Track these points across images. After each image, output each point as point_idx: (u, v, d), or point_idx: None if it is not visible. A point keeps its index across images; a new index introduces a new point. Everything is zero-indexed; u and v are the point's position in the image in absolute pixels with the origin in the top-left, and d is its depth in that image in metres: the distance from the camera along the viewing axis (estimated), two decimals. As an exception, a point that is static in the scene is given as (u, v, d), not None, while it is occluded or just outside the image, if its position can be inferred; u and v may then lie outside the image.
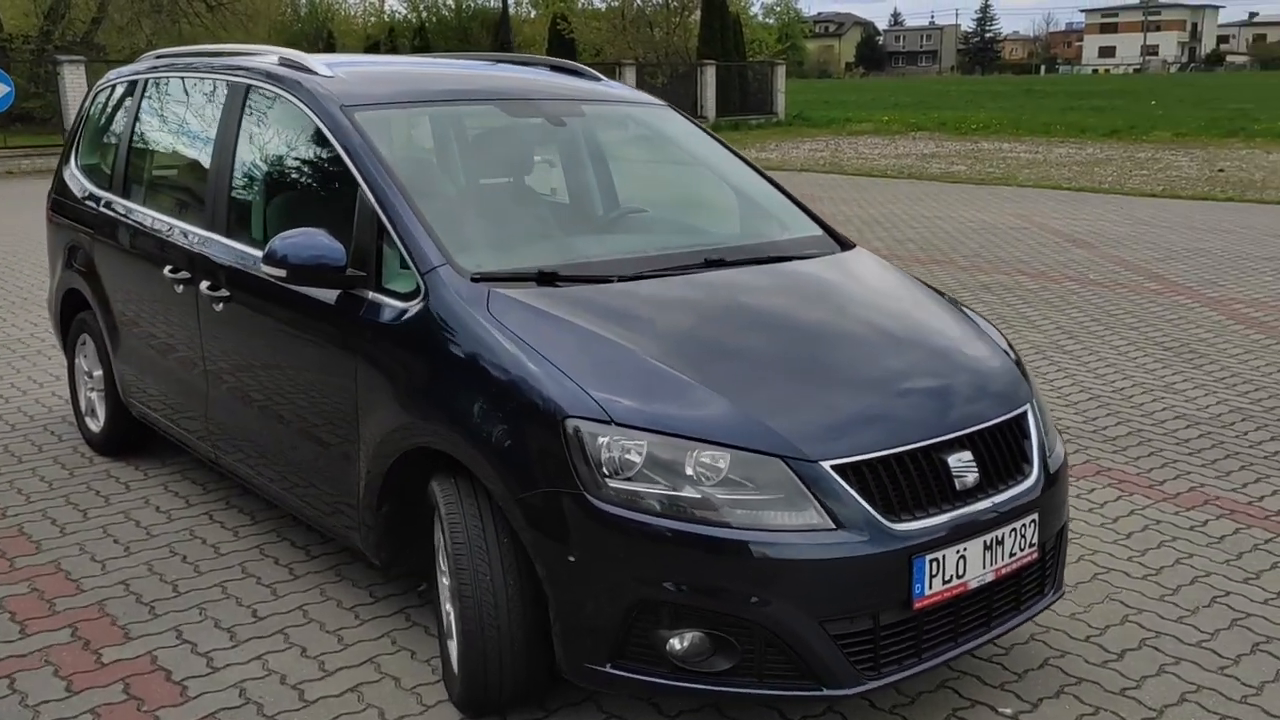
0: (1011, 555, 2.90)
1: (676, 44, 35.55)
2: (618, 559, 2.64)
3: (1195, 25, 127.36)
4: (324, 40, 45.82)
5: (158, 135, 4.74)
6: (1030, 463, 3.02)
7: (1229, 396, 6.08)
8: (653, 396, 2.74)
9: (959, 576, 2.77)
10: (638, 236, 3.88)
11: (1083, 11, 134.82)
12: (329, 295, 3.41)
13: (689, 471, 2.64)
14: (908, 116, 34.80)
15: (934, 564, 2.71)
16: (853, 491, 2.65)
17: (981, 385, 3.08)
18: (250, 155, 4.03)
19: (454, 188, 3.85)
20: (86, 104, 5.43)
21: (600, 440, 2.66)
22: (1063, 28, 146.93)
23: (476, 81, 4.27)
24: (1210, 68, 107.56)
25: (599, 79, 4.57)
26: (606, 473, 2.65)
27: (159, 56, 5.03)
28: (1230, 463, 5.06)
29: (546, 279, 3.17)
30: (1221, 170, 19.44)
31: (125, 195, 4.74)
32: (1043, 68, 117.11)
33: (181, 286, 4.12)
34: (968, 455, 2.85)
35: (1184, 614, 3.66)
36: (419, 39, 42.83)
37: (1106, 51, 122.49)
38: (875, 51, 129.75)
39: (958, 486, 2.81)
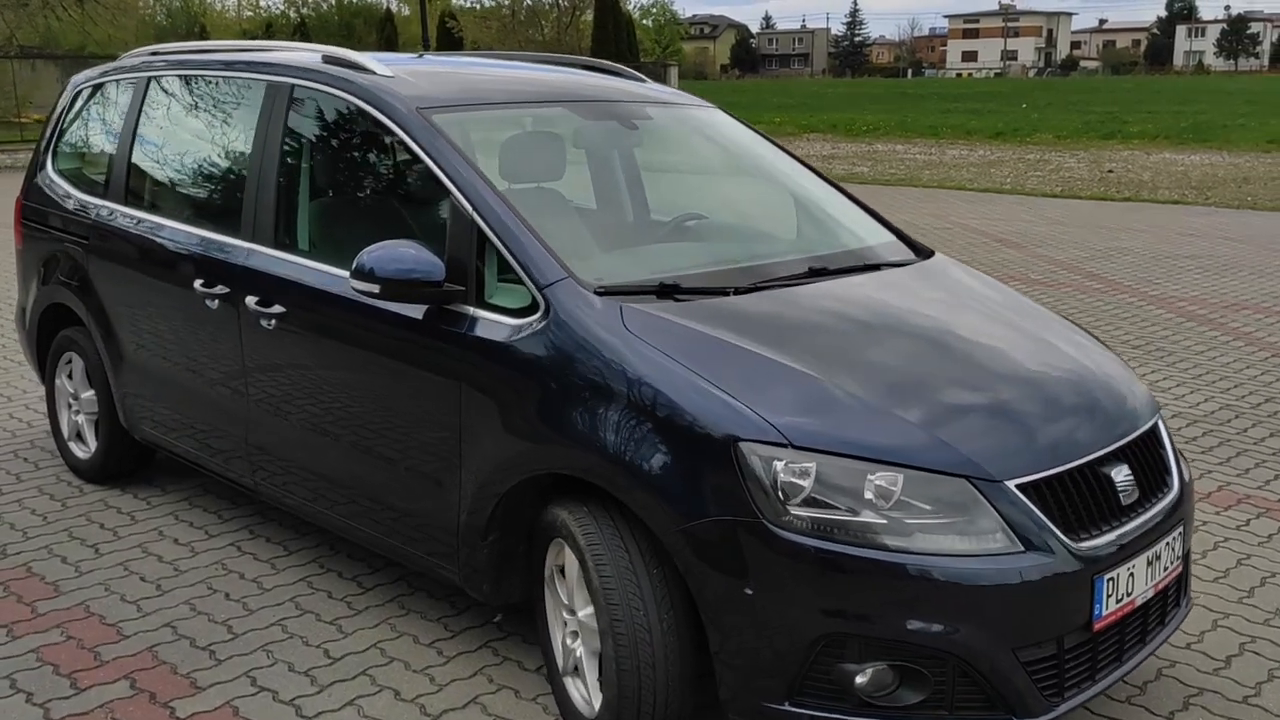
0: (1166, 569, 2.86)
1: (568, 44, 35.41)
2: (802, 590, 2.49)
3: (1051, 31, 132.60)
4: (196, 36, 44.10)
5: (171, 139, 4.38)
6: (1171, 473, 2.99)
7: (1215, 394, 6.23)
8: (825, 416, 2.61)
9: (1128, 594, 2.72)
10: (718, 245, 3.72)
11: (946, 17, 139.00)
12: (415, 311, 3.18)
13: (868, 495, 2.51)
14: (798, 118, 35.27)
15: (1110, 583, 2.65)
16: (1037, 511, 2.56)
17: (1122, 395, 3.03)
18: (302, 161, 3.75)
19: (545, 195, 3.64)
20: (63, 105, 5.01)
21: (778, 464, 2.51)
22: (926, 32, 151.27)
23: (540, 83, 4.07)
24: (1065, 72, 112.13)
25: (643, 80, 4.41)
26: (786, 499, 2.50)
27: (154, 54, 4.67)
28: (1244, 460, 5.16)
29: (667, 291, 3.01)
30: (1110, 171, 20.19)
31: (130, 203, 4.38)
32: (909, 71, 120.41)
33: (216, 302, 3.81)
34: (1126, 469, 2.79)
35: (1269, 615, 3.69)
36: (299, 36, 41.61)
37: (969, 56, 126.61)
38: (750, 54, 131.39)
39: (1123, 501, 2.75)
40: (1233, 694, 3.24)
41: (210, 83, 4.24)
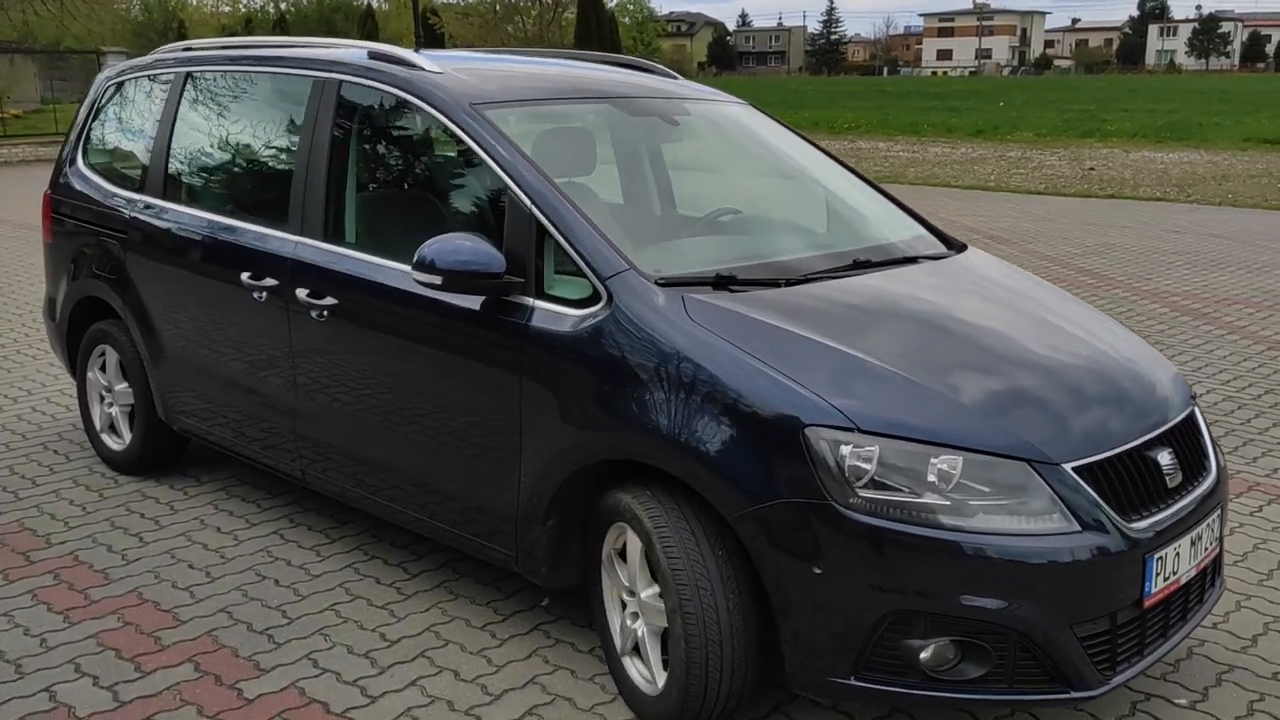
0: (1206, 550, 2.98)
1: (551, 40, 35.43)
2: (869, 569, 2.59)
3: (1025, 30, 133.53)
4: (174, 31, 43.83)
5: (213, 134, 4.43)
6: (1209, 457, 3.11)
7: (1215, 386, 6.38)
8: (889, 401, 2.71)
9: (1174, 573, 2.83)
10: (758, 238, 3.80)
11: (921, 16, 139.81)
12: (472, 302, 3.27)
13: (931, 477, 2.62)
14: (782, 116, 35.42)
15: (1159, 562, 2.77)
16: (1092, 493, 2.67)
17: (1163, 383, 3.15)
18: (352, 155, 3.81)
19: (595, 189, 3.72)
20: (92, 100, 5.06)
21: (845, 448, 2.61)
22: (901, 31, 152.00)
23: (583, 80, 4.15)
24: (1039, 71, 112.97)
25: (675, 77, 4.50)
26: (853, 481, 2.61)
27: (188, 49, 4.73)
28: (1251, 449, 5.31)
29: (723, 283, 3.10)
30: (1092, 169, 20.44)
31: (170, 198, 4.43)
32: (885, 69, 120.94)
33: (264, 294, 3.88)
34: (1170, 453, 2.91)
35: (1289, 597, 3.83)
36: (279, 30, 41.43)
37: (944, 54, 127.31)
38: (726, 51, 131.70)
39: (1168, 484, 2.86)
40: (1262, 670, 3.37)
41: (252, 78, 4.30)
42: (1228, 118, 32.26)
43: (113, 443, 4.91)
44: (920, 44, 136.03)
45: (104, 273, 4.68)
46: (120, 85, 4.96)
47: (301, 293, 3.73)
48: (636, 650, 3.13)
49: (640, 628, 3.06)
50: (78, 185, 4.93)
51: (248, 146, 4.32)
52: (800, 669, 2.72)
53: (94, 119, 5.03)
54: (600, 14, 33.50)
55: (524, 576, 3.37)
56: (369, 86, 3.74)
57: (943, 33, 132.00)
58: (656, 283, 3.03)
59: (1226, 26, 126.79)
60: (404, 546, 4.15)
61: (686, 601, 2.79)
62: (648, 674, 3.06)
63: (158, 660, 3.36)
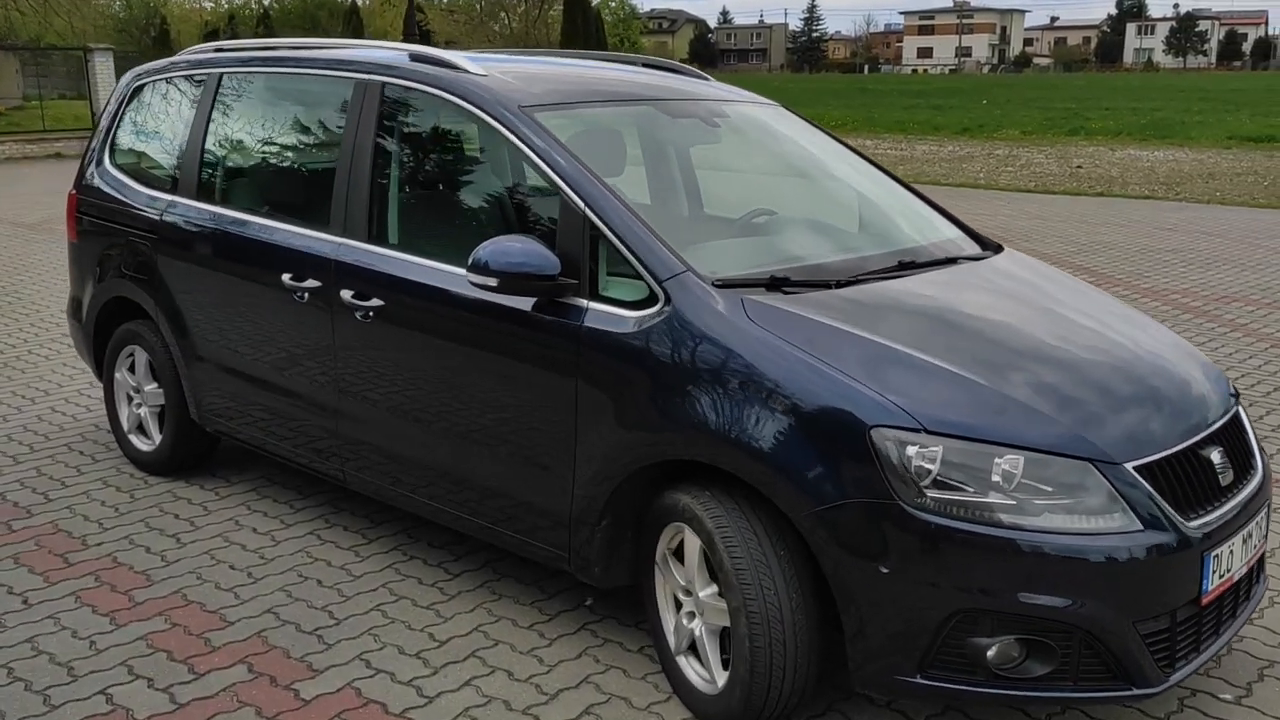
0: (1255, 547, 3.03)
1: (537, 37, 35.40)
2: (937, 568, 2.63)
3: (1004, 28, 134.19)
4: (156, 28, 43.58)
5: (249, 134, 4.44)
6: (1255, 456, 3.16)
7: (1225, 385, 6.45)
8: (952, 401, 2.75)
9: (1229, 570, 2.88)
10: (801, 239, 3.83)
11: (902, 13, 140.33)
12: (524, 304, 3.29)
13: (995, 477, 2.65)
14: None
15: (1215, 559, 2.81)
16: (1153, 491, 2.72)
17: (1211, 382, 3.20)
18: (396, 157, 3.83)
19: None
20: (119, 100, 5.04)
21: (910, 448, 2.65)
22: (882, 29, 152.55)
23: (624, 82, 4.17)
24: (1019, 69, 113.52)
25: (706, 78, 4.53)
26: (919, 481, 2.64)
27: (219, 50, 4.73)
28: (1268, 445, 5.38)
29: (776, 284, 3.13)
30: (1079, 167, 20.59)
31: (204, 198, 4.43)
32: (866, 67, 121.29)
33: (306, 295, 3.89)
34: (1221, 451, 2.96)
35: (1319, 593, 3.89)
36: (262, 26, 41.24)
37: (924, 52, 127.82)
38: (708, 48, 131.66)
39: (1221, 482, 2.91)
40: (1302, 665, 3.43)
41: (291, 79, 4.30)
42: (1210, 116, 32.54)
43: (141, 444, 4.90)
44: (901, 42, 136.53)
45: (134, 273, 4.68)
46: (147, 86, 4.95)
47: (346, 294, 3.74)
48: (692, 649, 3.16)
49: (697, 627, 3.09)
50: (104, 185, 4.92)
51: (286, 147, 4.32)
52: (865, 667, 2.75)
53: (120, 119, 5.02)
54: (586, 11, 33.48)
55: (575, 576, 3.39)
56: (414, 89, 3.75)
57: (923, 30, 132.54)
58: (713, 284, 3.06)
59: (1204, 25, 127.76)
60: (442, 546, 4.16)
61: (750, 601, 2.82)
62: (705, 673, 3.09)
63: (210, 662, 3.37)
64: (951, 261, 3.66)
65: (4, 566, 3.98)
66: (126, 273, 4.72)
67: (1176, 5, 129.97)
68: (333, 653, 3.43)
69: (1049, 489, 2.67)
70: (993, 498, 2.65)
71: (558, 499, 3.30)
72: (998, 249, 3.92)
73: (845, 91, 56.00)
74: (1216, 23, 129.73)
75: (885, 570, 2.66)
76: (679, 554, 3.15)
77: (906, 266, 3.48)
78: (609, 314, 3.14)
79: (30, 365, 6.63)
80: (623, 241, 3.15)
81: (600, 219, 3.19)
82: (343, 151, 3.88)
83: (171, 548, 4.15)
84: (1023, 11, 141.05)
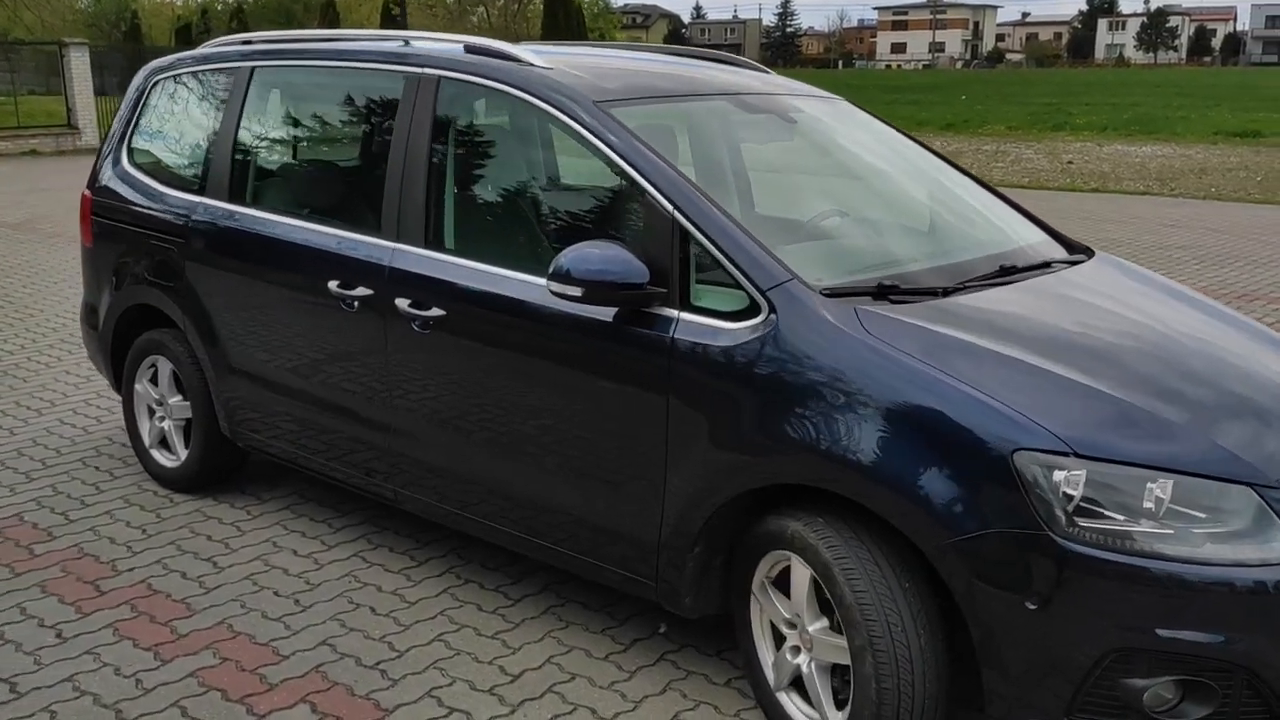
0: None
1: (516, 31, 35.05)
2: (1090, 604, 2.42)
3: (977, 24, 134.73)
4: (127, 22, 42.88)
5: (287, 132, 4.18)
6: None
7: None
8: (1099, 422, 2.54)
9: None
10: (889, 242, 3.60)
11: (875, 9, 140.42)
12: (604, 314, 3.05)
13: (1148, 504, 2.45)
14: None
15: None
16: None
17: None
18: (456, 157, 3.58)
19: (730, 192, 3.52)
20: (135, 97, 4.76)
21: (1059, 474, 2.44)
22: (855, 24, 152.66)
23: (693, 75, 3.94)
24: (992, 65, 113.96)
25: (766, 71, 4.30)
26: (1072, 509, 2.43)
27: (246, 43, 4.46)
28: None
29: (884, 291, 2.92)
30: (1070, 162, 20.52)
31: (238, 200, 4.15)
32: (840, 63, 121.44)
33: (357, 304, 3.63)
34: None
35: None
36: (236, 21, 40.65)
37: (898, 48, 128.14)
38: (682, 44, 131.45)
39: None
40: None
41: (331, 73, 4.03)
42: (1191, 111, 32.61)
43: (164, 459, 4.63)
44: (874, 37, 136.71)
45: (159, 279, 4.40)
46: (166, 81, 4.67)
47: (402, 303, 3.49)
48: (794, 685, 2.94)
49: (804, 662, 2.88)
50: (123, 187, 4.64)
51: (328, 146, 4.07)
52: (1008, 711, 2.54)
53: (138, 117, 4.74)
54: (568, 5, 33.17)
55: (660, 605, 3.16)
56: (474, 83, 3.50)
57: (896, 26, 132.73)
58: (821, 293, 2.83)
59: (1174, 21, 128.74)
60: (496, 569, 3.93)
61: (877, 639, 2.60)
62: (813, 712, 2.87)
63: (270, 701, 3.12)
64: (1046, 266, 3.46)
65: (31, 596, 3.71)
66: (150, 279, 4.45)
67: (1147, 1, 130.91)
68: (400, 690, 3.18)
69: (1204, 516, 2.46)
70: (1145, 525, 2.44)
71: (644, 524, 3.07)
72: (1089, 252, 3.72)
73: (823, 87, 55.79)
74: (1187, 18, 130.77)
75: (1032, 606, 2.45)
76: (778, 583, 2.93)
77: (1008, 272, 3.26)
78: (704, 325, 2.91)
79: (31, 374, 6.33)
80: (718, 247, 2.92)
81: (692, 223, 2.96)
82: (394, 151, 3.62)
83: (209, 572, 3.89)
84: (995, 7, 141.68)
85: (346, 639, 3.45)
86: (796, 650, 2.90)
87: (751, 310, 2.85)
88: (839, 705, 2.81)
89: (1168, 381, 2.77)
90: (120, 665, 3.29)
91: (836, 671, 2.83)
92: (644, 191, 3.06)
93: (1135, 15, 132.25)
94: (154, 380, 4.62)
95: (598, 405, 3.11)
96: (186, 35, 40.08)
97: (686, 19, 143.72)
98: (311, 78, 4.13)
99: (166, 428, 4.60)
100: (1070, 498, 2.43)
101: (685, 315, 2.95)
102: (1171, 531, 2.43)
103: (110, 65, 26.54)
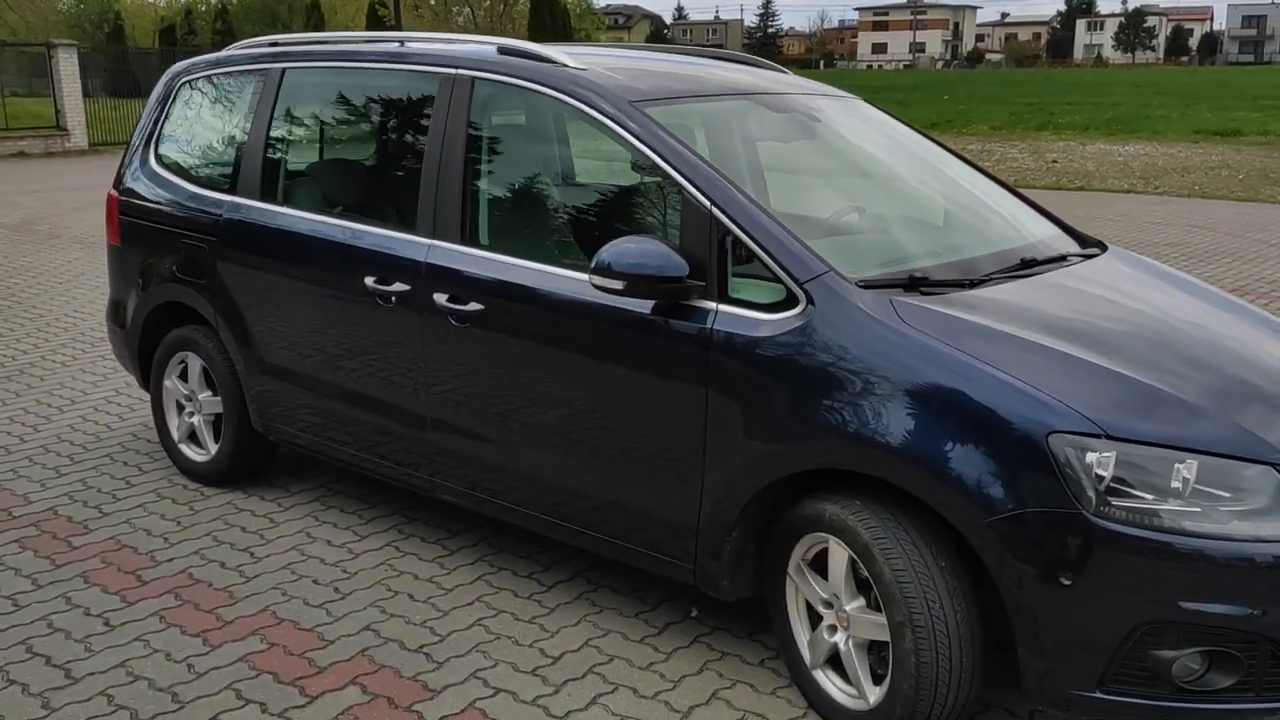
0: None
1: (503, 32, 35.10)
2: (1123, 580, 2.55)
3: (957, 24, 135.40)
4: (110, 23, 42.70)
5: (319, 132, 4.27)
6: None
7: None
8: (1128, 405, 2.66)
9: None
10: (908, 237, 3.72)
11: (856, 9, 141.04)
12: (642, 307, 3.16)
13: (1175, 484, 2.57)
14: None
15: None
16: None
17: None
18: (491, 155, 3.68)
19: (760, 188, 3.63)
20: (162, 97, 4.84)
21: (1091, 455, 2.56)
22: (836, 24, 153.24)
23: (719, 75, 4.05)
24: (972, 65, 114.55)
25: (784, 71, 4.42)
26: (1103, 489, 2.56)
27: (275, 45, 4.55)
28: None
29: (915, 284, 3.04)
30: (1055, 161, 20.73)
31: (270, 199, 4.24)
32: (821, 63, 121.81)
33: (394, 300, 3.73)
34: None
35: None
36: (220, 22, 40.55)
37: (879, 48, 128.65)
38: (664, 44, 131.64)
39: None
40: None
41: (363, 74, 4.13)
42: (1171, 110, 32.94)
43: (194, 454, 4.72)
44: (855, 37, 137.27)
45: (190, 277, 4.49)
46: (193, 82, 4.76)
47: (440, 298, 3.60)
48: (829, 663, 3.06)
49: (841, 640, 2.99)
50: (151, 187, 4.72)
51: (361, 146, 4.16)
52: (1043, 683, 2.66)
53: (165, 118, 4.82)
54: (554, 6, 33.25)
55: (699, 589, 3.28)
56: (510, 83, 3.61)
57: (877, 26, 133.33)
58: (857, 285, 2.95)
59: (1152, 21, 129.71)
60: (527, 556, 4.03)
61: (916, 615, 2.72)
62: (850, 689, 2.99)
63: (320, 684, 3.22)
64: (1062, 259, 3.58)
65: (75, 586, 3.80)
66: (181, 276, 4.53)
67: (1125, 1, 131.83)
68: (445, 671, 3.29)
69: (1228, 495, 2.59)
70: (1175, 504, 2.56)
71: (683, 510, 3.18)
72: (1102, 246, 3.85)
73: (807, 87, 56.04)
74: (1164, 18, 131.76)
75: (1066, 582, 2.57)
76: (814, 565, 3.05)
77: (1029, 265, 3.39)
78: (742, 317, 3.03)
79: (48, 372, 6.39)
80: (756, 241, 3.04)
81: (730, 218, 3.08)
82: (430, 149, 3.72)
83: (247, 562, 3.98)
84: (974, 7, 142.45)
85: (388, 624, 3.55)
86: (833, 629, 3.02)
87: (789, 302, 2.97)
88: (875, 681, 2.92)
89: (1188, 368, 2.90)
90: (170, 651, 3.38)
91: (873, 648, 2.95)
92: (682, 188, 3.17)
93: (1113, 15, 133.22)
94: (183, 376, 4.70)
95: (636, 394, 3.22)
96: (171, 36, 40.00)
97: (669, 19, 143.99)
98: (344, 79, 4.22)
99: (196, 423, 4.69)
100: (1102, 478, 2.56)
101: (723, 307, 3.06)
102: (1198, 509, 2.56)
103: (93, 67, 26.49)
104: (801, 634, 3.12)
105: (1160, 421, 2.64)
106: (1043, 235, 3.78)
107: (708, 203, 3.11)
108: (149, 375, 4.86)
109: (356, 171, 4.22)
